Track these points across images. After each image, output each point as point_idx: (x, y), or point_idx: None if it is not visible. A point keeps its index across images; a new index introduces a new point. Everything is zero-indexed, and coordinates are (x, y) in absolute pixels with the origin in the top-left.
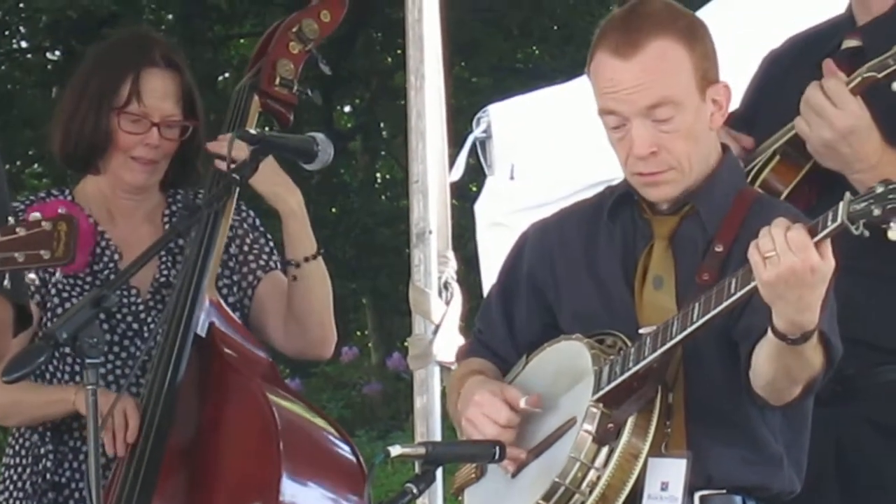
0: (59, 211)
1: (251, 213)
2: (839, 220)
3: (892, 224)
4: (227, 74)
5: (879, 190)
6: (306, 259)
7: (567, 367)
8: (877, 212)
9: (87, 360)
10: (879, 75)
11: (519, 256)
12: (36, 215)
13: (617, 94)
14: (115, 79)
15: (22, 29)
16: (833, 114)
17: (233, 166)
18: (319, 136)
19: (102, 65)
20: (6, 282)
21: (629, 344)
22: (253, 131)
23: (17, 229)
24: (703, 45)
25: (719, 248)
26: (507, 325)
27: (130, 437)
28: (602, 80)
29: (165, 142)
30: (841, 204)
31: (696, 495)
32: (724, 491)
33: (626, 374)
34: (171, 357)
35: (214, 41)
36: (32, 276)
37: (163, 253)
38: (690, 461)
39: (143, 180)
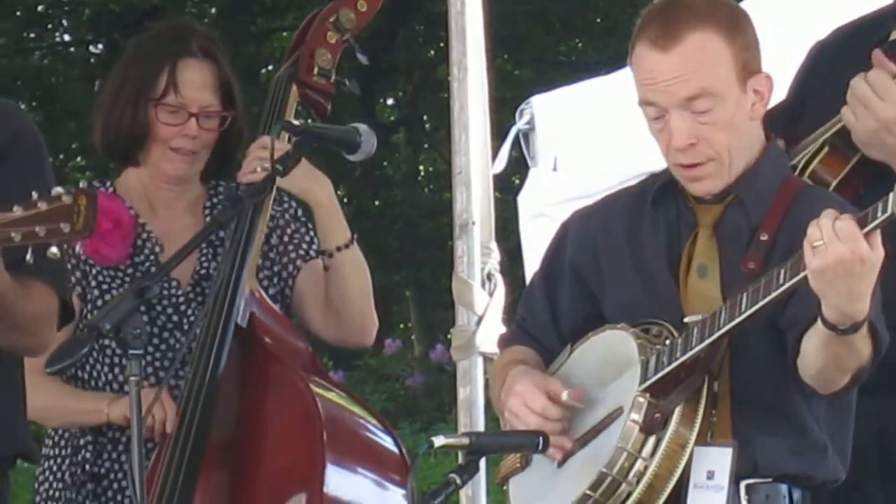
0: (82, 185)
1: (293, 203)
2: (889, 210)
3: None
4: (269, 67)
5: None
6: (339, 248)
7: (613, 356)
8: None
9: (130, 351)
10: None
11: (562, 244)
12: (58, 189)
13: (656, 86)
14: (153, 70)
15: (65, 22)
16: (877, 104)
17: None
18: (362, 126)
19: (140, 57)
20: (29, 257)
21: (675, 334)
22: (296, 122)
23: (39, 203)
24: (743, 35)
25: (764, 237)
26: (551, 313)
27: (169, 426)
28: (642, 72)
29: (204, 132)
30: (891, 195)
31: (742, 484)
32: (770, 479)
33: (674, 365)
34: (212, 348)
35: (257, 34)
36: (54, 249)
37: (203, 245)
38: (736, 450)
39: (182, 171)
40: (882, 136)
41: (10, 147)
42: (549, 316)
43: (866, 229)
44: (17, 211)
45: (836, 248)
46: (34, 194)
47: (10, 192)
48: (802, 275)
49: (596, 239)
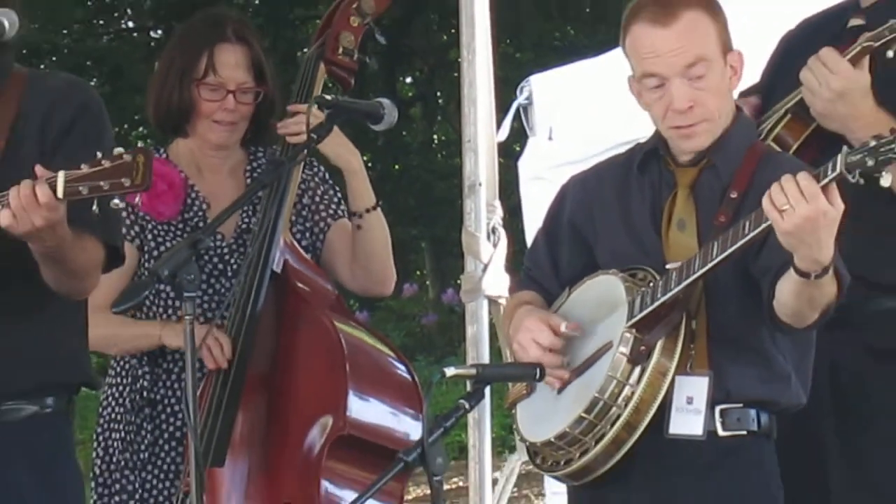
0: (139, 145)
1: (321, 168)
2: (838, 169)
3: (883, 173)
4: (305, 50)
5: (872, 143)
6: (367, 210)
7: (604, 297)
8: (870, 162)
9: (185, 294)
10: (876, 44)
11: (561, 204)
12: (119, 149)
13: (658, 58)
14: (194, 54)
15: (129, 11)
16: (828, 77)
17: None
18: (385, 101)
19: (184, 42)
20: (94, 207)
21: (658, 278)
22: (328, 97)
23: (103, 161)
24: (722, 17)
25: (734, 195)
26: (552, 263)
27: (227, 354)
28: (643, 48)
29: (241, 106)
30: (839, 156)
31: (717, 408)
32: (741, 405)
33: (656, 304)
34: (251, 291)
35: (294, 22)
36: (116, 201)
37: (246, 205)
38: (712, 379)
39: (224, 139)
40: (836, 105)
41: (78, 116)
42: (551, 265)
43: (821, 184)
44: (84, 168)
45: (802, 207)
46: (98, 154)
47: (77, 155)
48: (765, 225)
49: (590, 199)
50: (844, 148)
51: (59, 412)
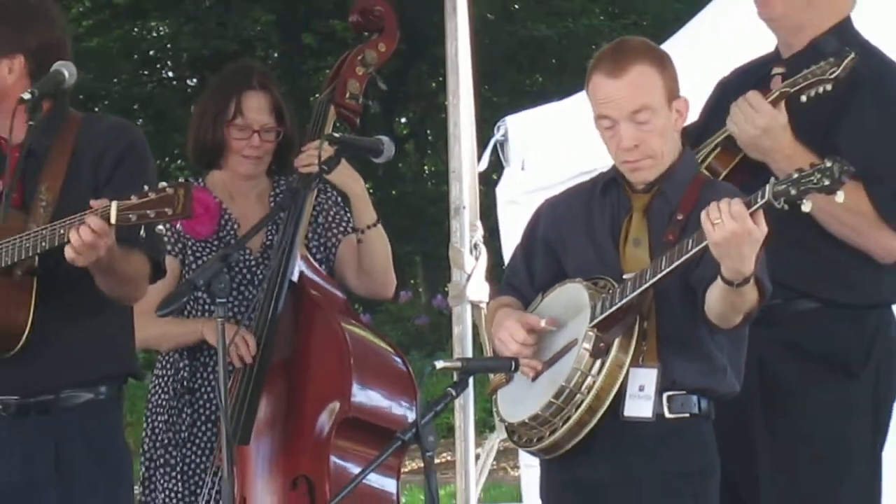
0: (179, 179)
1: (334, 192)
2: (766, 196)
3: (804, 201)
4: (317, 95)
5: (795, 176)
6: (368, 227)
7: (571, 301)
8: (793, 191)
9: (217, 300)
10: (792, 90)
11: (536, 223)
12: (163, 183)
13: (609, 104)
14: (225, 100)
15: (169, 63)
16: (752, 115)
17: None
18: (385, 138)
19: (216, 91)
20: (142, 232)
21: (616, 286)
22: (337, 135)
23: (150, 193)
24: (669, 70)
25: (680, 217)
26: (528, 272)
27: (252, 351)
28: (598, 95)
29: (265, 143)
30: (768, 186)
31: (665, 395)
32: (685, 392)
33: (614, 308)
34: (272, 297)
35: (308, 72)
36: (160, 227)
37: (269, 224)
38: (660, 371)
39: (251, 171)
40: (760, 139)
41: (126, 154)
42: (527, 274)
43: (751, 210)
44: (133, 199)
45: (730, 224)
46: (146, 187)
47: (125, 186)
48: (703, 244)
49: (560, 219)
50: (772, 179)
51: (110, 398)
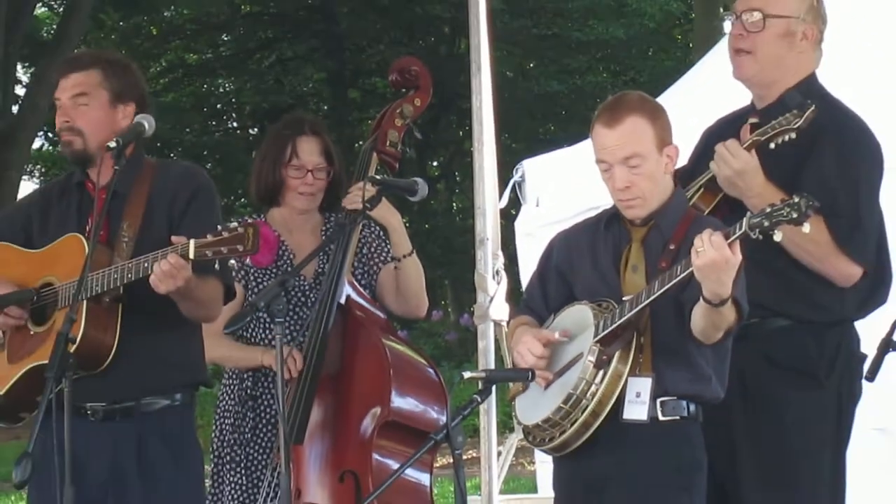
0: (247, 220)
1: (376, 227)
2: (743, 229)
3: (776, 231)
4: (361, 142)
5: (768, 210)
6: (404, 256)
7: (578, 320)
8: (766, 224)
9: (276, 319)
10: (762, 139)
11: (550, 253)
12: (233, 224)
13: (605, 150)
14: (282, 145)
15: (234, 115)
16: (729, 159)
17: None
18: (419, 180)
19: (274, 138)
20: (216, 265)
21: (616, 306)
22: (378, 177)
23: (223, 232)
24: (661, 120)
25: (672, 247)
26: (543, 295)
27: (300, 367)
28: (597, 142)
29: (318, 181)
30: (744, 219)
31: (658, 400)
32: (675, 398)
33: (614, 326)
34: (323, 317)
35: (353, 122)
36: (232, 261)
37: (320, 254)
38: (654, 379)
39: (306, 206)
40: (735, 180)
41: (196, 195)
42: (542, 297)
43: (729, 240)
44: (209, 237)
45: (710, 253)
46: (219, 227)
47: (196, 224)
48: (689, 270)
49: (571, 249)
50: (748, 213)
51: (184, 404)
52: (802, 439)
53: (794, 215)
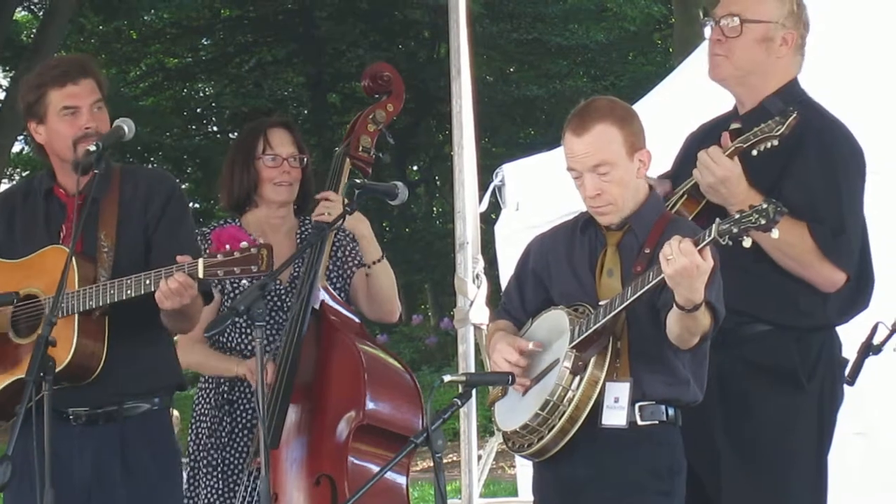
0: (259, 241)
1: (350, 232)
2: (712, 235)
3: (744, 237)
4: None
5: (737, 216)
6: (374, 262)
7: (554, 326)
8: (735, 230)
9: (256, 323)
10: (744, 146)
11: (527, 257)
12: (245, 244)
13: (574, 158)
14: (252, 141)
15: (214, 119)
16: (712, 167)
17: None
18: (399, 183)
19: (241, 141)
20: (228, 286)
21: (592, 311)
22: (358, 181)
23: (234, 253)
24: (631, 125)
25: (647, 251)
26: (521, 300)
27: (271, 377)
28: (567, 150)
29: (293, 169)
30: (713, 226)
31: (636, 405)
32: (654, 402)
33: (589, 331)
34: (298, 322)
35: (333, 126)
36: (245, 282)
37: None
38: (632, 384)
39: (285, 197)
40: (717, 187)
41: (169, 200)
42: (520, 300)
43: (699, 247)
44: (220, 257)
45: (680, 260)
46: (227, 246)
47: (171, 229)
48: (662, 276)
49: (547, 253)
50: (717, 220)
51: (163, 408)
52: (784, 443)
53: (763, 221)
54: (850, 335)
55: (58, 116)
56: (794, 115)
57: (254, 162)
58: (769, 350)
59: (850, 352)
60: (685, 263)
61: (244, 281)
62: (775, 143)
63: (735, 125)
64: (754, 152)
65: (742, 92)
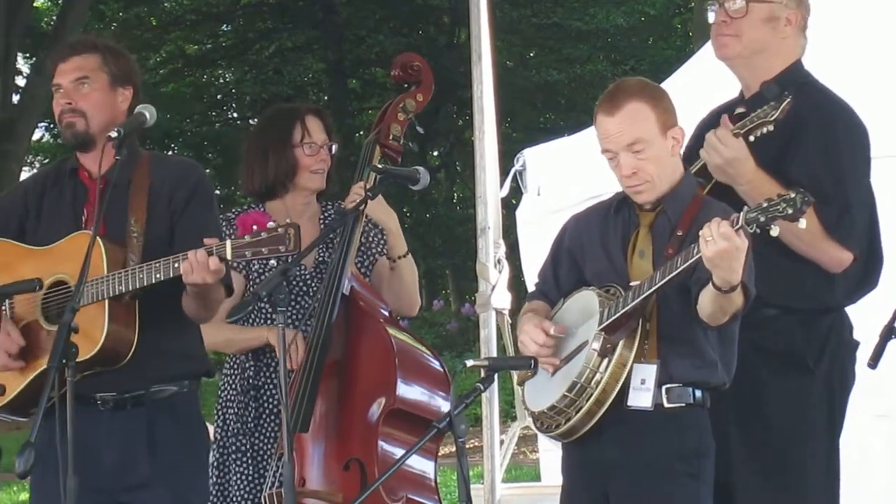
0: (287, 220)
1: (374, 220)
2: (741, 223)
3: (772, 226)
4: (360, 133)
5: (764, 205)
6: (400, 257)
7: (584, 307)
8: (762, 218)
9: (278, 308)
10: (741, 132)
11: (562, 237)
12: (272, 224)
13: (608, 139)
14: (288, 128)
15: (234, 105)
16: (720, 148)
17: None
18: (421, 168)
19: (271, 126)
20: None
21: (622, 293)
22: (380, 166)
23: (262, 234)
24: (662, 103)
25: (679, 233)
26: (555, 280)
27: (300, 359)
28: (600, 131)
29: (328, 157)
30: (741, 213)
31: (663, 387)
32: (680, 384)
33: (619, 314)
34: (327, 308)
35: (353, 112)
36: (272, 262)
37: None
38: (659, 366)
39: (319, 184)
40: (725, 168)
41: (194, 193)
42: (554, 282)
43: (734, 230)
44: (247, 238)
45: (720, 243)
46: (255, 227)
47: (196, 219)
48: (692, 259)
49: (582, 234)
50: (745, 207)
51: (191, 392)
52: (794, 426)
53: (790, 211)
54: (866, 319)
55: (55, 95)
56: (788, 99)
57: (291, 149)
58: (777, 334)
59: (863, 336)
60: (725, 246)
61: (272, 261)
62: (770, 128)
63: (740, 109)
64: (751, 138)
65: (747, 74)
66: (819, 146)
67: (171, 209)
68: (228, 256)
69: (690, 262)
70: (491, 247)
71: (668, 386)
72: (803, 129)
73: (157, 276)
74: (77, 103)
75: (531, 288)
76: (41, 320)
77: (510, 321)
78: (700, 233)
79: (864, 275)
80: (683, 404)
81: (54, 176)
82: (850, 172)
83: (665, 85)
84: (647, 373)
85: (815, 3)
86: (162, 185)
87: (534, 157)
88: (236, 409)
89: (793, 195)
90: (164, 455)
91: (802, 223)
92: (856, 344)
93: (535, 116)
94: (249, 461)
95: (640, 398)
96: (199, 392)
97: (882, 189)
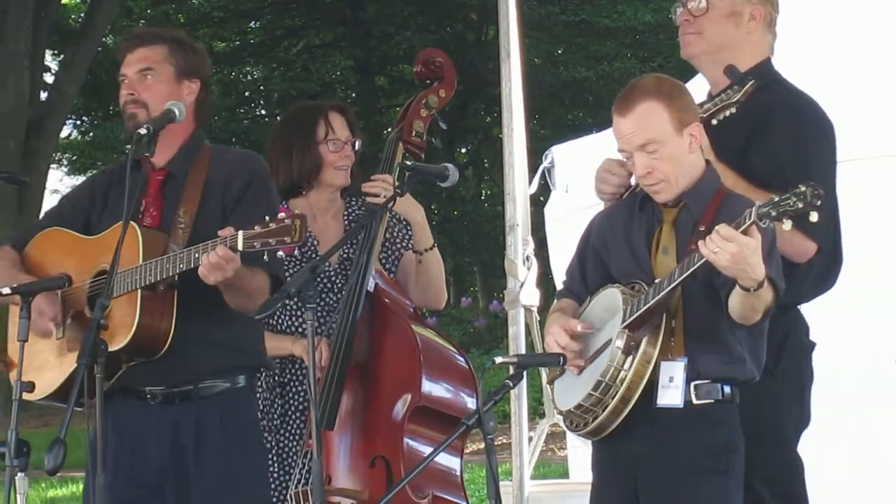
0: (295, 212)
1: (400, 214)
2: (752, 218)
3: (784, 220)
4: (388, 130)
5: (776, 199)
6: (426, 250)
7: (609, 305)
8: (774, 213)
9: (307, 305)
10: (705, 116)
11: (589, 234)
12: (281, 215)
13: (622, 139)
14: (312, 125)
15: (262, 102)
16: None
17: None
18: (450, 166)
19: (294, 123)
20: (265, 257)
21: (646, 290)
22: (409, 163)
23: (271, 224)
24: (679, 100)
25: (702, 228)
26: (582, 277)
27: (325, 360)
28: (615, 131)
29: (352, 153)
30: (752, 209)
31: (692, 384)
32: (709, 381)
33: (641, 311)
34: (352, 304)
35: (381, 109)
36: (280, 252)
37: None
38: (687, 363)
39: (344, 181)
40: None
41: (251, 181)
42: (581, 279)
43: (740, 229)
44: (257, 228)
45: (728, 248)
46: (266, 218)
47: (249, 212)
48: (703, 260)
49: (607, 231)
50: (757, 203)
51: (245, 389)
52: (757, 425)
53: (800, 205)
54: (820, 320)
55: (120, 85)
56: (751, 82)
57: (316, 146)
58: None
59: (819, 337)
60: (734, 250)
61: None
62: (733, 110)
63: (707, 105)
64: (714, 121)
65: (714, 71)
66: (786, 138)
67: (224, 201)
68: (240, 247)
69: (704, 260)
70: (519, 244)
71: (697, 382)
72: (771, 121)
73: (180, 266)
74: (140, 94)
75: (559, 285)
76: (86, 310)
77: (539, 318)
78: (702, 252)
79: (826, 272)
80: (712, 400)
81: (120, 169)
82: (816, 166)
83: (691, 82)
84: (675, 370)
85: (797, 5)
86: (217, 178)
87: (562, 154)
88: (262, 407)
89: (803, 188)
90: (214, 461)
91: (814, 216)
92: (812, 345)
93: (563, 113)
94: (275, 458)
95: (670, 396)
96: (255, 389)
97: (854, 191)
